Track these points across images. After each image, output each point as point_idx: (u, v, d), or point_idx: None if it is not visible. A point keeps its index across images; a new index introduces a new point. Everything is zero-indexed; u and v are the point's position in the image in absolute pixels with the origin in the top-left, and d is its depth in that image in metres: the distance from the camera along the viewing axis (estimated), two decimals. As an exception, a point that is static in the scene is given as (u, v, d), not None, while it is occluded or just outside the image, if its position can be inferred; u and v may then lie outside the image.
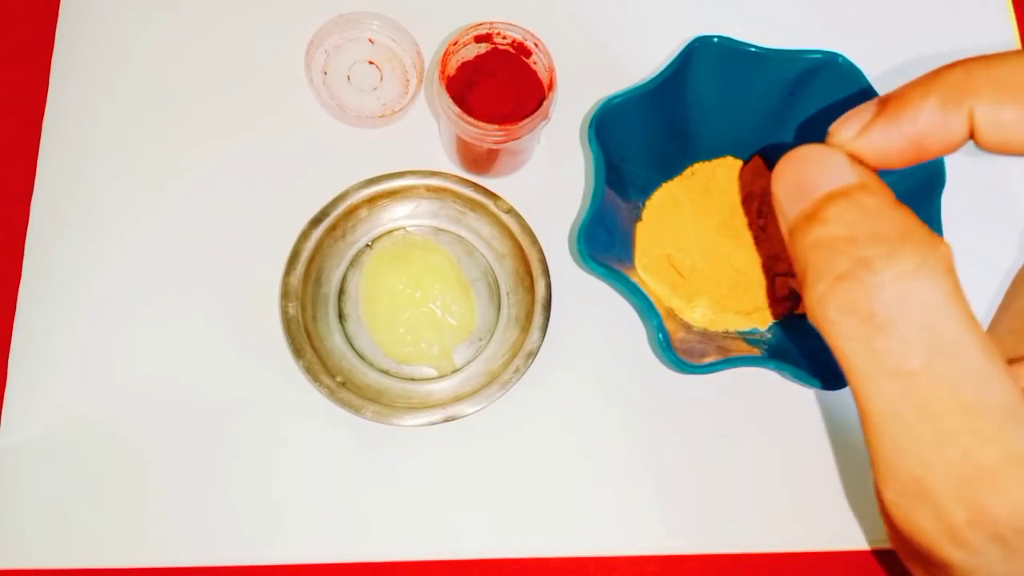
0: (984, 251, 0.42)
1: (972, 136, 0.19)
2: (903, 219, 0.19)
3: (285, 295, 0.38)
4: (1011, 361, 0.22)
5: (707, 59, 0.38)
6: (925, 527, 0.19)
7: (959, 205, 0.41)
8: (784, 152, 0.22)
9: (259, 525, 0.37)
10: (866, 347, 0.18)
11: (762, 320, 0.40)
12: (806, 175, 0.20)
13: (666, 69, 0.38)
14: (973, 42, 0.46)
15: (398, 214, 0.41)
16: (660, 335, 0.35)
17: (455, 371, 0.39)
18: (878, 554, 0.39)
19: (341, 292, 0.40)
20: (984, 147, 0.19)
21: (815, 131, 0.40)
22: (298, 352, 0.37)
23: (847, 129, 0.21)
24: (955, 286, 0.18)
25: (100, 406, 0.38)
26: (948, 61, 0.20)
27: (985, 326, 0.40)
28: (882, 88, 0.37)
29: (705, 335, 0.39)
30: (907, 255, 0.18)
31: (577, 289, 0.41)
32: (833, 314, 0.18)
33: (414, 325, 0.39)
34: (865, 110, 0.21)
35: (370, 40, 0.43)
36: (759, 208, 0.41)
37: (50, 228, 0.40)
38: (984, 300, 0.41)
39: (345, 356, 0.39)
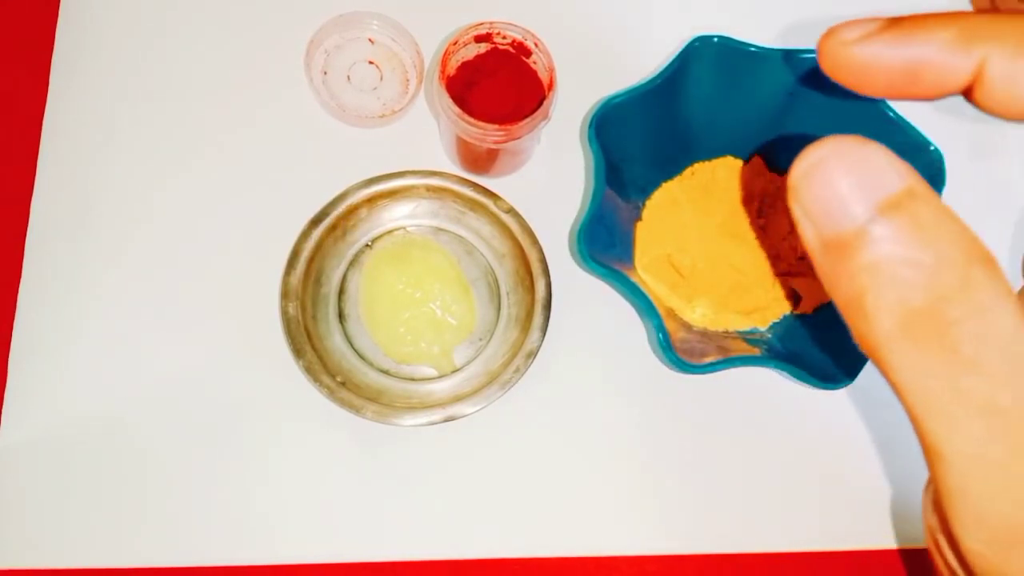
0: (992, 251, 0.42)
1: (973, 87, 0.18)
2: (961, 232, 0.16)
3: (285, 295, 0.38)
4: None
5: (707, 59, 0.38)
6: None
7: (959, 205, 0.41)
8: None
9: (259, 525, 0.37)
10: (950, 386, 0.16)
11: (762, 320, 0.40)
12: (839, 183, 0.17)
13: (666, 69, 0.38)
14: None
15: (398, 214, 0.41)
16: (660, 335, 0.35)
17: (455, 371, 0.39)
18: (878, 554, 0.39)
19: (341, 292, 0.40)
20: (982, 102, 0.18)
21: (816, 131, 0.39)
22: (298, 352, 0.37)
23: (849, 32, 0.19)
24: (1021, 305, 0.16)
25: (100, 406, 0.38)
26: None
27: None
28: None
29: (705, 335, 0.39)
30: (981, 283, 0.16)
31: (577, 289, 0.41)
32: (906, 350, 0.16)
33: (414, 325, 0.39)
34: (874, 21, 0.19)
35: (370, 40, 0.43)
36: (759, 208, 0.41)
37: (50, 228, 0.40)
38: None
39: (345, 356, 0.39)
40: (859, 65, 0.19)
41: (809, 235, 0.18)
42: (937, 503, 0.19)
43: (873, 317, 0.17)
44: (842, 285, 0.17)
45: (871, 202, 0.17)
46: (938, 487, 0.18)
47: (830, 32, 0.19)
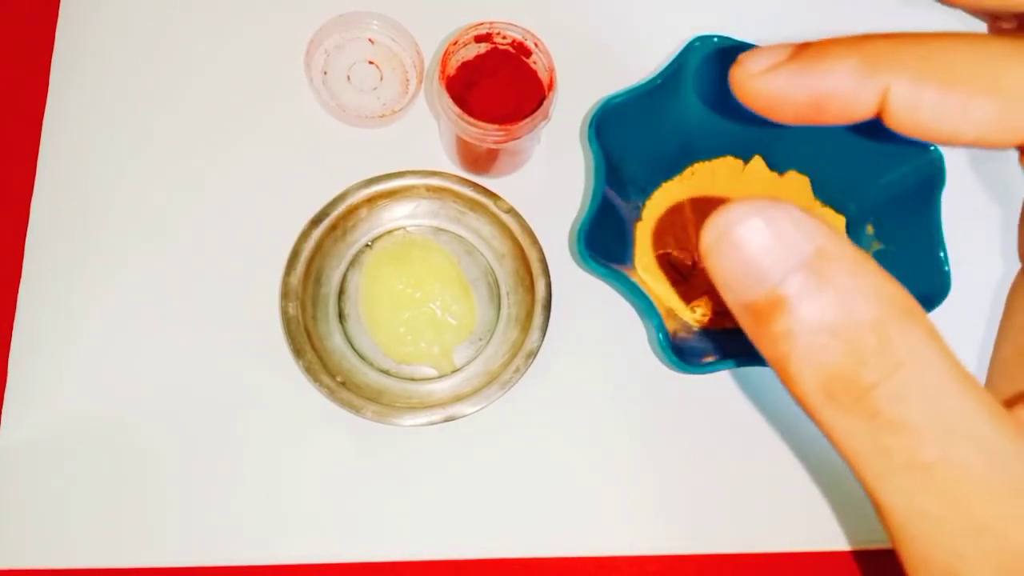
0: (984, 251, 0.43)
1: (880, 114, 0.17)
2: (876, 286, 0.16)
3: (285, 295, 0.38)
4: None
5: (707, 59, 0.38)
6: None
7: (959, 205, 0.41)
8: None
9: (259, 525, 0.37)
10: (874, 444, 0.16)
11: (762, 320, 0.40)
12: (748, 252, 0.17)
13: (666, 69, 0.38)
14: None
15: (398, 214, 0.41)
16: (660, 335, 0.35)
17: (455, 371, 0.39)
18: (878, 554, 0.39)
19: (341, 292, 0.40)
20: (891, 126, 0.17)
21: (816, 131, 0.39)
22: (298, 352, 0.37)
23: (754, 63, 0.19)
24: (948, 356, 0.16)
25: (100, 406, 0.38)
26: None
27: (987, 327, 0.40)
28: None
29: (705, 335, 0.39)
30: (895, 341, 0.16)
31: (577, 289, 0.41)
32: (830, 414, 0.16)
33: (414, 325, 0.39)
34: (781, 49, 0.19)
35: (370, 40, 0.43)
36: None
37: (50, 228, 0.40)
38: (985, 300, 0.41)
39: (345, 356, 0.39)
40: (766, 97, 0.19)
41: (728, 300, 0.18)
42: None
43: (796, 381, 0.17)
44: (765, 348, 0.17)
45: (780, 269, 0.16)
46: (888, 538, 0.18)
47: (739, 62, 0.19)
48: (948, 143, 0.17)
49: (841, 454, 0.17)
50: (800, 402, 0.17)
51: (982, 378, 0.23)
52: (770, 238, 0.17)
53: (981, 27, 0.23)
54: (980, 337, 0.40)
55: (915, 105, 0.17)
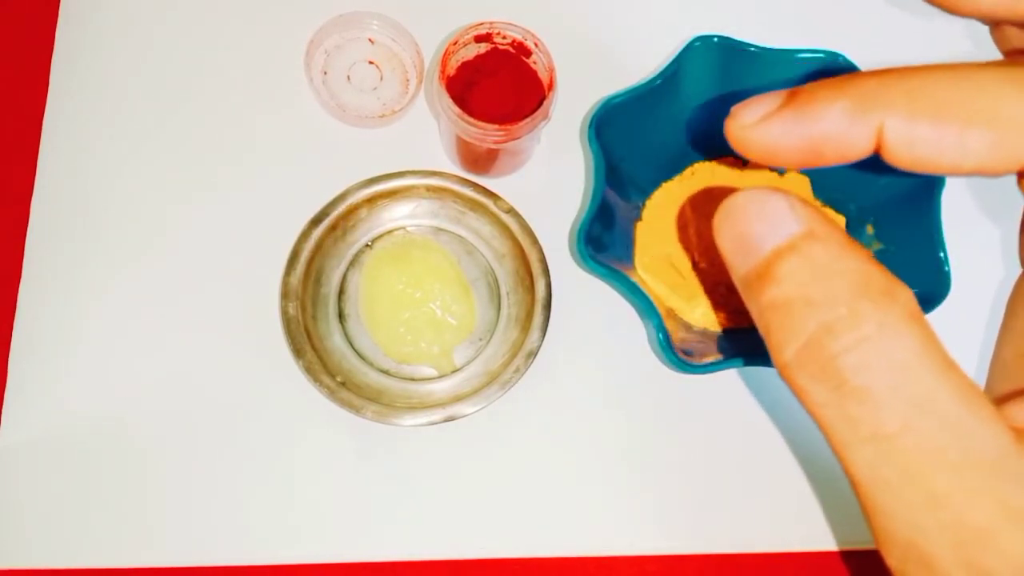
0: (985, 251, 0.43)
1: (878, 150, 0.18)
2: (856, 268, 0.17)
3: (285, 295, 0.38)
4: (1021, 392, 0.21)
5: (707, 59, 0.38)
6: None
7: (959, 205, 0.41)
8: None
9: (259, 525, 0.37)
10: (840, 414, 0.17)
11: (762, 320, 0.40)
12: (747, 227, 0.18)
13: (666, 69, 0.38)
14: (973, 40, 0.46)
15: (398, 214, 0.41)
16: (660, 335, 0.35)
17: (455, 371, 0.39)
18: (878, 554, 0.39)
19: (341, 292, 0.40)
20: (891, 162, 0.18)
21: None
22: (298, 352, 0.37)
23: (748, 114, 0.19)
24: (923, 336, 0.17)
25: (100, 406, 0.38)
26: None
27: (987, 327, 0.40)
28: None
29: (705, 335, 0.39)
30: (866, 315, 0.17)
31: (577, 289, 0.41)
32: (803, 382, 0.18)
33: (414, 325, 0.39)
34: (773, 98, 0.19)
35: (370, 40, 0.43)
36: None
37: (50, 228, 0.40)
38: (986, 301, 0.41)
39: (345, 356, 0.39)
40: (763, 146, 0.19)
41: (733, 277, 0.19)
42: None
43: (776, 349, 0.18)
44: (758, 321, 0.18)
45: (770, 241, 0.18)
46: (860, 507, 0.18)
47: (732, 115, 0.20)
48: (949, 174, 0.18)
49: (818, 425, 0.18)
50: (780, 372, 0.18)
51: (983, 378, 0.23)
52: (764, 216, 0.18)
53: (984, 31, 0.23)
54: (980, 337, 0.40)
55: (911, 141, 0.17)
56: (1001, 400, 0.21)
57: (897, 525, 0.18)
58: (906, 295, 0.17)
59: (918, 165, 0.18)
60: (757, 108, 0.19)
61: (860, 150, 0.18)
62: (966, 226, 0.42)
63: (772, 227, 0.18)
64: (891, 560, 0.18)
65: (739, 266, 0.19)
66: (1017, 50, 0.23)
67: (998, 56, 0.23)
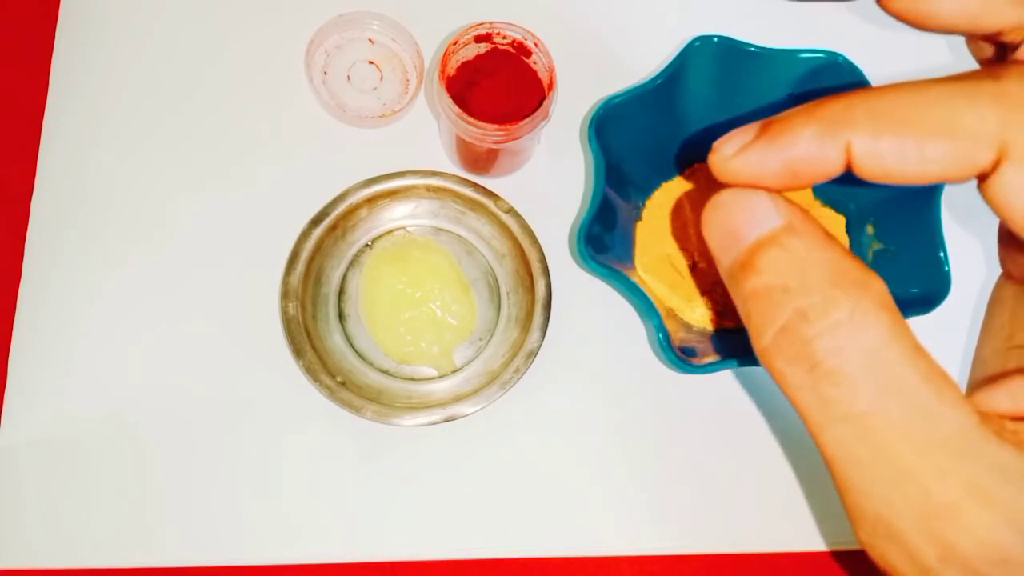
0: (984, 251, 0.42)
1: (849, 166, 0.19)
2: (832, 259, 0.19)
3: (285, 295, 0.38)
4: (992, 379, 0.22)
5: (707, 59, 0.38)
6: (900, 567, 0.19)
7: (959, 205, 0.41)
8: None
9: (259, 525, 0.37)
10: (814, 395, 0.18)
11: (762, 320, 0.40)
12: (732, 221, 0.20)
13: (666, 69, 0.38)
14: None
15: (398, 214, 0.41)
16: (660, 335, 0.35)
17: (455, 371, 0.39)
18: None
19: (341, 292, 0.40)
20: (862, 176, 0.19)
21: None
22: (298, 352, 0.37)
23: (728, 147, 0.21)
24: (893, 323, 0.18)
25: (100, 406, 0.38)
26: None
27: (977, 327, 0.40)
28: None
29: (705, 335, 0.39)
30: (839, 302, 0.18)
31: (577, 289, 0.41)
32: (780, 365, 0.19)
33: (414, 325, 0.39)
34: (748, 130, 0.21)
35: (370, 40, 0.43)
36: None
37: (50, 228, 0.40)
38: (985, 300, 0.41)
39: (345, 356, 0.39)
40: (744, 175, 0.21)
41: (719, 270, 0.21)
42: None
43: (756, 335, 0.19)
44: (741, 310, 0.20)
45: (755, 235, 0.20)
46: (834, 484, 0.20)
47: (714, 149, 0.21)
48: (918, 183, 0.19)
49: (795, 408, 0.19)
50: (760, 357, 0.19)
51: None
52: (748, 210, 0.20)
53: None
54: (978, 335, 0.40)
55: (877, 155, 0.19)
56: (975, 386, 0.22)
57: (867, 500, 0.19)
58: (879, 286, 0.19)
59: (887, 176, 0.19)
60: (735, 141, 0.21)
61: (832, 169, 0.19)
62: (966, 226, 0.42)
63: (755, 221, 0.20)
64: (861, 534, 0.19)
65: (724, 258, 0.20)
66: (989, 59, 0.24)
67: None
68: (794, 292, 0.19)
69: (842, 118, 0.19)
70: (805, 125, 0.19)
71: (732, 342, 0.39)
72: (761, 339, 0.19)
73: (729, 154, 0.21)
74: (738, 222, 0.20)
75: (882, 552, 0.19)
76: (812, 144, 0.19)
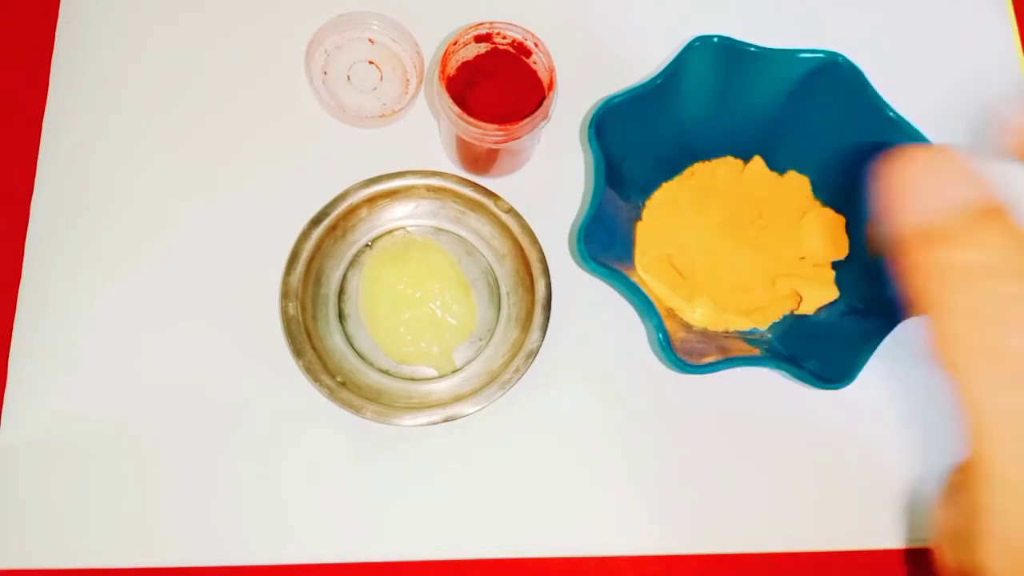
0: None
1: None
2: None
3: (285, 295, 0.38)
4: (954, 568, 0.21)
5: (707, 59, 0.38)
6: None
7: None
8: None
9: (259, 525, 0.37)
10: (1008, 402, 0.16)
11: (762, 320, 0.40)
12: (945, 182, 0.18)
13: (666, 69, 0.38)
14: (972, 41, 0.46)
15: (398, 214, 0.41)
16: (660, 335, 0.35)
17: (455, 371, 0.39)
18: (878, 554, 0.39)
19: (341, 292, 0.40)
20: None
21: (816, 131, 0.40)
22: (298, 352, 0.37)
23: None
24: None
25: (100, 406, 0.38)
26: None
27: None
28: (882, 87, 0.37)
29: (705, 335, 0.39)
30: None
31: (577, 289, 0.41)
32: (971, 358, 0.17)
33: (414, 325, 0.39)
34: None
35: (370, 40, 0.43)
36: (759, 208, 0.41)
37: (50, 228, 0.40)
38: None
39: (345, 356, 0.39)
40: None
41: (901, 221, 0.18)
42: (961, 515, 0.19)
43: (941, 316, 0.17)
44: (920, 274, 0.18)
45: (969, 206, 0.17)
46: (976, 502, 0.18)
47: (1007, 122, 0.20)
48: None
49: (969, 411, 0.17)
50: (938, 344, 0.17)
51: None
52: (965, 178, 0.18)
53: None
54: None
55: None
56: None
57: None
58: None
59: None
60: None
61: None
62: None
63: (972, 187, 0.18)
64: (994, 562, 0.18)
65: (919, 214, 0.18)
66: None
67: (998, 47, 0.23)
68: (1004, 276, 0.16)
69: None
70: None
71: (732, 342, 0.39)
72: (950, 321, 0.17)
73: None
74: (950, 184, 0.18)
75: None
76: None
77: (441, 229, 0.41)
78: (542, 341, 0.38)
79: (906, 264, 0.18)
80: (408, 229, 0.41)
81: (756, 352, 0.37)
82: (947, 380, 0.17)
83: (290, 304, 0.38)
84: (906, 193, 0.18)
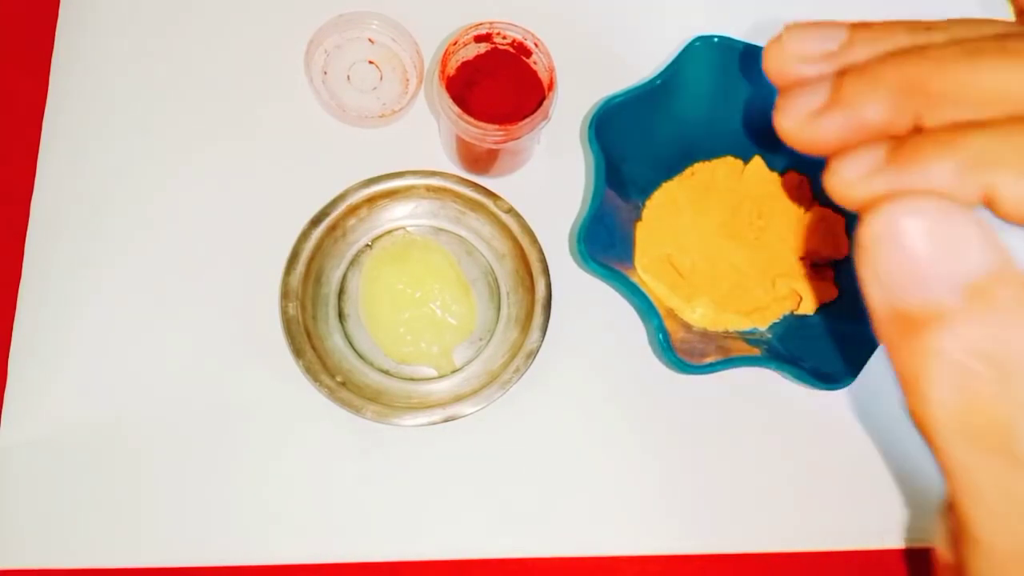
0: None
1: (987, 205, 0.17)
2: None
3: (285, 295, 0.38)
4: None
5: (707, 59, 0.38)
6: None
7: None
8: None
9: (259, 525, 0.37)
10: (1001, 486, 0.15)
11: (762, 320, 0.40)
12: (919, 253, 0.16)
13: (666, 69, 0.38)
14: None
15: (398, 214, 0.41)
16: (660, 335, 0.35)
17: (455, 371, 0.39)
18: (878, 554, 0.39)
19: (341, 292, 0.40)
20: (1003, 219, 0.17)
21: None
22: (298, 352, 0.37)
23: (849, 169, 0.18)
24: None
25: (100, 406, 0.38)
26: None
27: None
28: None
29: (705, 335, 0.39)
30: None
31: (577, 289, 0.41)
32: (961, 447, 0.16)
33: (414, 325, 0.39)
34: (870, 152, 0.18)
35: (370, 40, 0.43)
36: (759, 208, 0.41)
37: (50, 228, 0.40)
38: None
39: (345, 356, 0.39)
40: (869, 202, 0.18)
41: (876, 300, 0.17)
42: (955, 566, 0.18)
43: (928, 402, 0.16)
44: (903, 358, 0.16)
45: (953, 283, 0.15)
46: (965, 564, 0.17)
47: (832, 170, 0.18)
48: None
49: (952, 482, 0.16)
50: (922, 424, 0.16)
51: None
52: (944, 245, 0.16)
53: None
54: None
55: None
56: None
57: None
58: None
59: None
60: (858, 164, 0.18)
61: (964, 203, 0.17)
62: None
63: (950, 260, 0.15)
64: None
65: (893, 296, 0.16)
66: None
67: None
68: (1001, 367, 0.15)
69: (987, 156, 0.16)
70: (942, 159, 0.17)
71: (732, 342, 0.39)
72: (937, 410, 0.16)
73: (852, 178, 0.18)
74: (925, 261, 0.16)
75: None
76: (947, 178, 0.16)
77: (441, 229, 0.41)
78: (542, 341, 0.38)
79: (886, 345, 0.17)
80: (408, 229, 0.41)
81: (756, 352, 0.37)
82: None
83: (290, 304, 0.38)
84: (879, 267, 0.17)
